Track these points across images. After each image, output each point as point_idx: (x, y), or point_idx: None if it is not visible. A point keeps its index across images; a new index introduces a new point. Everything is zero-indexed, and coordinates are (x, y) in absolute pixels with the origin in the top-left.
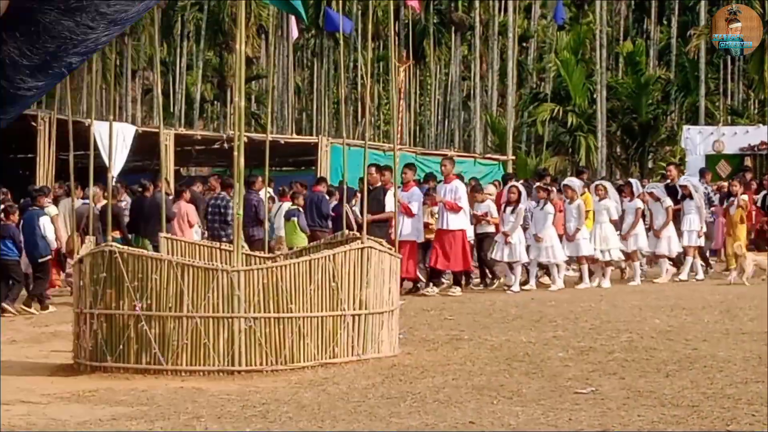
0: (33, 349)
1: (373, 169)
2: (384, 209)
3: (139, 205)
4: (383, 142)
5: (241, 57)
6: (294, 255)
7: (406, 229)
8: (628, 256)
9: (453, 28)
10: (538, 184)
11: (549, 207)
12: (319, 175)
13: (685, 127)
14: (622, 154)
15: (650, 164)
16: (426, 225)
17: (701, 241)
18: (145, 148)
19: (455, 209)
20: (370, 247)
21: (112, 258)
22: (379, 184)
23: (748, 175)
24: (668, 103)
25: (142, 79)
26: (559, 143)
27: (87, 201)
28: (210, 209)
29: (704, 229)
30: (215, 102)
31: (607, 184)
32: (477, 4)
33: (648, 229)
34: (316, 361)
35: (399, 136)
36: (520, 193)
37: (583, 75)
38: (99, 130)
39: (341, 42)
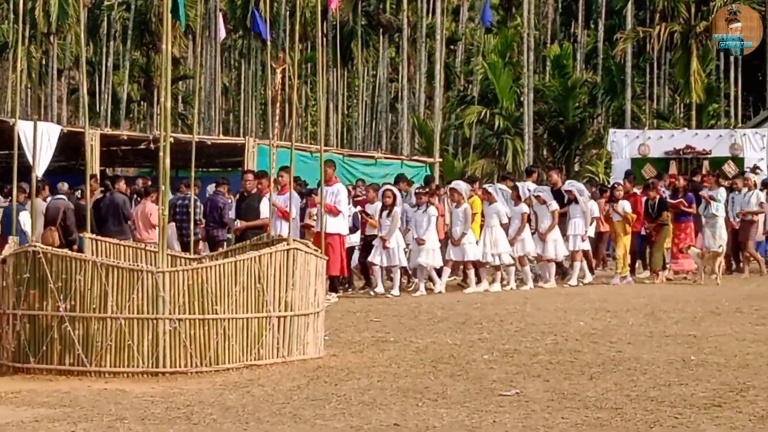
0: None
1: (251, 176)
2: (258, 216)
3: (95, 206)
4: (310, 143)
5: (168, 57)
6: (219, 256)
7: (285, 232)
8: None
9: (381, 30)
10: (418, 188)
11: (432, 210)
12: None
13: (611, 130)
14: (549, 157)
15: (576, 167)
16: (308, 227)
17: (586, 245)
18: (70, 148)
19: (334, 212)
20: (296, 249)
21: (36, 258)
22: (255, 190)
23: (665, 180)
24: (595, 107)
25: (68, 78)
26: (486, 146)
27: (60, 197)
28: (177, 209)
29: (589, 233)
30: (142, 102)
31: (492, 188)
32: (405, 6)
33: (533, 233)
34: (241, 363)
35: (277, 136)
36: (395, 197)
37: (510, 78)
38: (23, 129)
39: (269, 43)
